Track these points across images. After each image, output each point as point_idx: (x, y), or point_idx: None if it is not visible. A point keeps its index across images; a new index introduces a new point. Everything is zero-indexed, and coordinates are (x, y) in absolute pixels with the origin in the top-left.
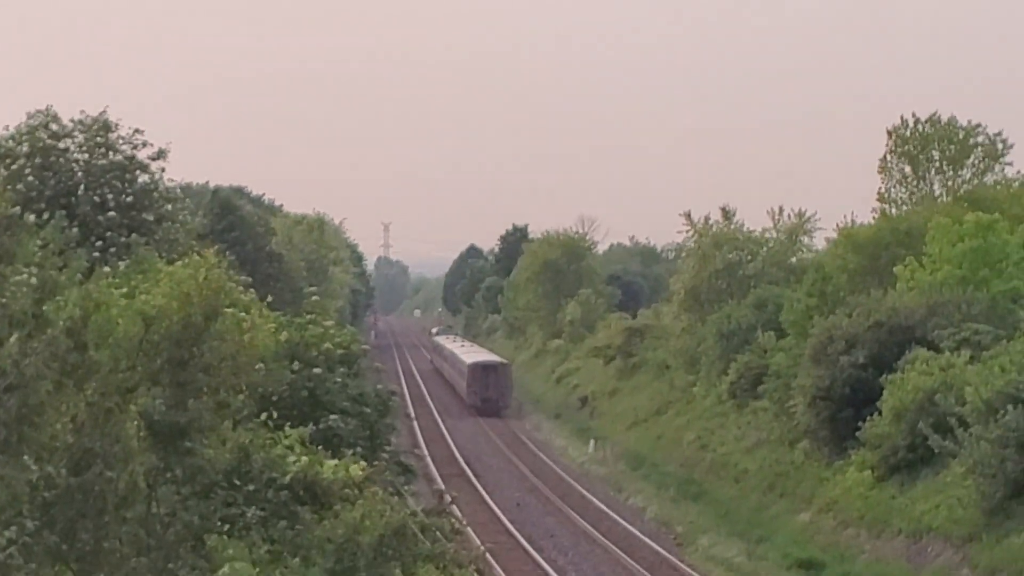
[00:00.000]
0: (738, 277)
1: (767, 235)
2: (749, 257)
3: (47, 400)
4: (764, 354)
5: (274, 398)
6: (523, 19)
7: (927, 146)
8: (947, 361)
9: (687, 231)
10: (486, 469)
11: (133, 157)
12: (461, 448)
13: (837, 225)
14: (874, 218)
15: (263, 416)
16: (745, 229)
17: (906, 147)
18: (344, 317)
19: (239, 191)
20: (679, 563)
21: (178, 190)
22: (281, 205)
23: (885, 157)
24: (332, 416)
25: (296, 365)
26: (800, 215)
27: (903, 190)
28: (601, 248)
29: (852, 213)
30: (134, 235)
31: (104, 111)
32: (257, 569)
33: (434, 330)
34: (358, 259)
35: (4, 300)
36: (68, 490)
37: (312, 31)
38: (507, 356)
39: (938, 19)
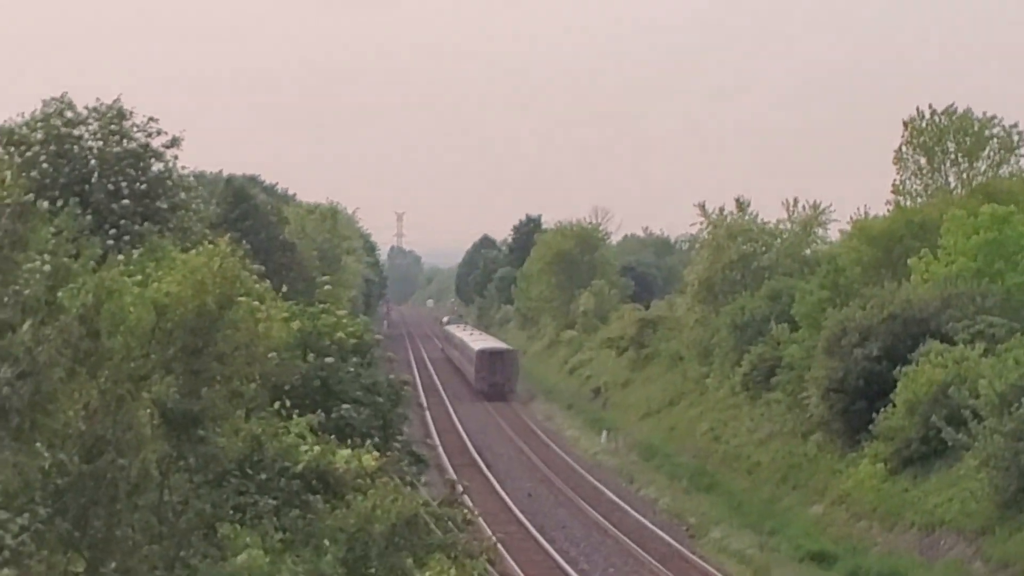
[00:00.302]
0: (752, 269)
1: (781, 227)
2: (763, 249)
3: (59, 387)
4: (777, 346)
5: (287, 387)
6: (537, 8)
7: (942, 138)
8: (961, 354)
9: (701, 222)
10: (497, 459)
11: (147, 145)
12: (473, 438)
13: (851, 217)
14: (888, 210)
15: (276, 405)
16: (759, 221)
17: (921, 139)
18: (357, 307)
19: (252, 180)
20: (691, 555)
21: (192, 178)
22: (294, 194)
23: (900, 148)
24: (345, 406)
25: (309, 355)
26: (815, 207)
27: (918, 182)
28: (615, 239)
29: (866, 206)
30: (147, 223)
31: (118, 99)
32: (269, 558)
33: (445, 319)
34: (371, 249)
35: (17, 287)
36: (80, 477)
37: (327, 20)
38: (520, 346)
39: (954, 10)
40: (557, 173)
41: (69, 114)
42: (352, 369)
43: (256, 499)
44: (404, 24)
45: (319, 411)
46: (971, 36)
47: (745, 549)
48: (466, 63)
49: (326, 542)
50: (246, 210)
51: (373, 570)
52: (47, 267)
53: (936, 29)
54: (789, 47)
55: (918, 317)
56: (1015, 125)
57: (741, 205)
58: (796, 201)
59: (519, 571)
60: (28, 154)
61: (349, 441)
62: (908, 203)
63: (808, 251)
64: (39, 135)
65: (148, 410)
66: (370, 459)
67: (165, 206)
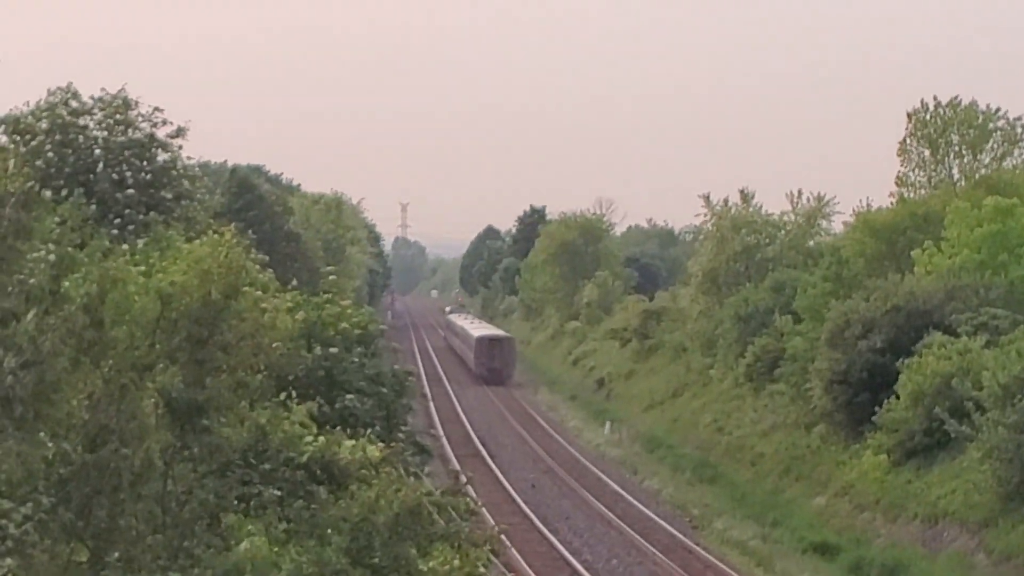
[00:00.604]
0: (756, 260)
1: (785, 218)
2: (767, 240)
3: (63, 377)
4: (781, 337)
5: (291, 378)
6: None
7: (947, 130)
8: (964, 346)
9: (705, 214)
10: (501, 449)
11: (152, 135)
12: (476, 428)
13: (854, 209)
14: (892, 202)
15: (281, 396)
16: (763, 212)
17: (926, 131)
18: (361, 297)
19: (257, 170)
20: (694, 546)
21: (197, 168)
22: (299, 184)
23: (904, 140)
24: (349, 396)
25: (313, 345)
26: (819, 199)
27: (922, 174)
28: (619, 230)
29: (869, 198)
30: (152, 213)
31: (123, 89)
32: (274, 548)
33: (447, 309)
34: (376, 239)
35: (22, 276)
36: (84, 467)
37: (332, 10)
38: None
39: (960, 1)
40: (561, 164)
41: (74, 104)
42: (356, 359)
43: (260, 489)
44: (409, 14)
45: (317, 399)
46: (976, 28)
47: (748, 540)
48: (471, 53)
49: (330, 532)
50: (251, 200)
51: (377, 560)
52: (52, 256)
53: (941, 21)
54: (794, 38)
55: (922, 309)
56: (1019, 118)
57: (745, 197)
58: (800, 193)
59: (523, 562)
60: (33, 143)
61: (350, 431)
62: (912, 195)
63: (812, 243)
64: (44, 124)
65: (152, 400)
66: (374, 449)
67: (170, 196)
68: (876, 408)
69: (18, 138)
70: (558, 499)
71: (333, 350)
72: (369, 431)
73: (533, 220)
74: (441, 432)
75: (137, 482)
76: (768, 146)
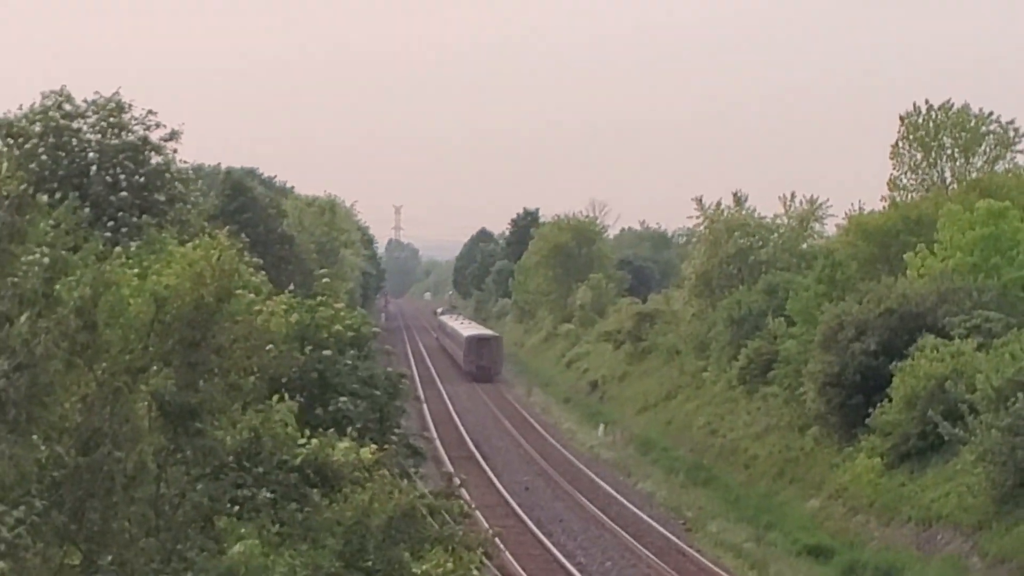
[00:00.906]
0: (749, 263)
1: (778, 221)
2: (760, 243)
3: (57, 380)
4: (774, 340)
5: (284, 380)
6: (536, 1)
7: (939, 133)
8: (957, 348)
9: (698, 216)
10: (495, 452)
11: (146, 138)
12: (470, 431)
13: (847, 213)
14: (885, 206)
15: (274, 398)
16: (756, 215)
17: (918, 134)
18: (355, 300)
19: (251, 173)
20: (688, 548)
21: (190, 171)
22: (292, 187)
23: (897, 144)
24: (342, 398)
25: (307, 347)
26: (811, 201)
27: (914, 177)
28: (612, 233)
29: (861, 201)
30: (146, 216)
31: (117, 92)
32: (267, 550)
33: (439, 310)
34: (369, 242)
35: (15, 279)
36: (77, 470)
37: (325, 12)
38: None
39: (952, 5)
40: (555, 167)
41: (68, 107)
42: (349, 362)
43: (254, 492)
44: (402, 16)
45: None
46: (969, 32)
47: (742, 543)
48: (464, 55)
49: (323, 535)
50: (244, 203)
51: (370, 563)
52: (45, 259)
53: (934, 24)
54: (787, 42)
55: (914, 312)
56: (1011, 121)
57: (738, 199)
58: (793, 196)
59: (516, 564)
60: (27, 147)
61: (346, 434)
62: (904, 198)
63: (805, 246)
64: (38, 128)
65: (145, 403)
66: (367, 452)
67: (163, 199)
68: (869, 411)
69: (11, 141)
70: (552, 501)
71: (326, 352)
72: (361, 433)
73: (526, 223)
74: (435, 434)
75: (130, 485)
76: (761, 149)
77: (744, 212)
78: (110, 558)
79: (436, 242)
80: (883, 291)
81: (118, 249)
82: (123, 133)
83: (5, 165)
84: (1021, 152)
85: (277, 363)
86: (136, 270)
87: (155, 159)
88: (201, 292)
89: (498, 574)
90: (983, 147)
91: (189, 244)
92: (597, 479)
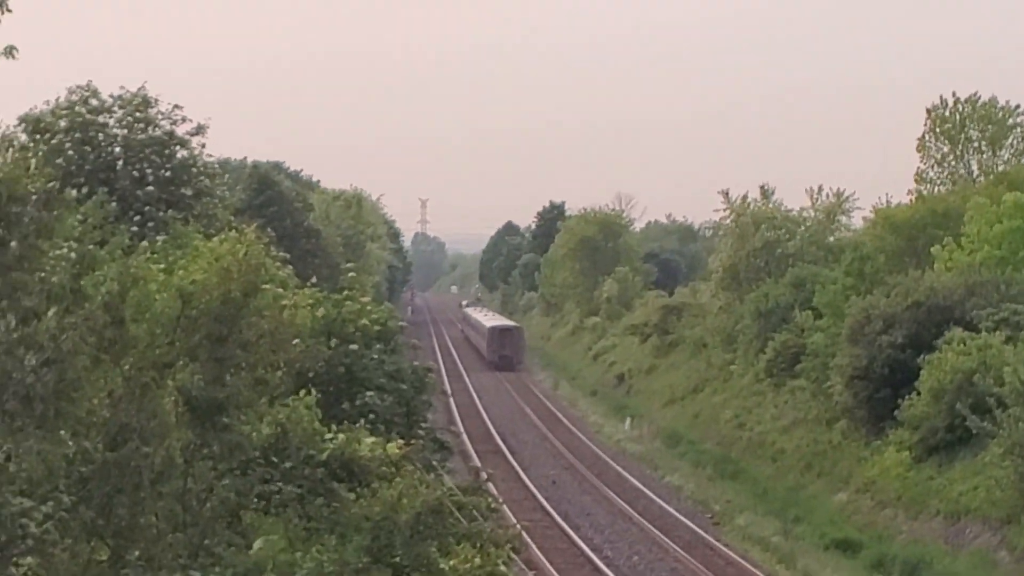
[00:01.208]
0: (776, 256)
1: (805, 214)
2: (787, 236)
3: (84, 375)
4: (802, 333)
5: (311, 375)
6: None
7: (966, 126)
8: (985, 341)
9: (725, 209)
10: (521, 445)
11: (172, 132)
12: (497, 424)
13: (873, 206)
14: (912, 199)
15: (300, 393)
16: (783, 208)
17: (945, 127)
18: (381, 293)
19: (277, 166)
20: (715, 542)
21: (216, 165)
22: (319, 181)
23: (924, 137)
24: (369, 393)
25: (333, 342)
26: (838, 194)
27: (941, 170)
28: (638, 226)
29: (888, 194)
30: (172, 210)
31: (143, 87)
32: (294, 546)
33: (464, 303)
34: (395, 235)
35: (43, 275)
36: (104, 465)
37: (354, 8)
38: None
39: None
40: (581, 160)
41: (94, 102)
42: (376, 356)
43: (280, 487)
44: (429, 10)
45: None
46: (996, 24)
47: (770, 536)
48: (491, 49)
49: (351, 530)
50: (271, 197)
51: (397, 558)
52: (72, 254)
53: (961, 16)
54: (814, 34)
55: (942, 305)
56: None
57: (765, 192)
58: (820, 189)
59: (543, 558)
60: (53, 142)
61: (370, 428)
62: (931, 191)
63: (832, 239)
64: (64, 123)
65: (172, 398)
66: (394, 447)
67: (190, 193)
68: (897, 404)
69: (38, 137)
70: (579, 495)
71: (353, 347)
72: (388, 428)
73: (553, 216)
74: (461, 428)
75: (158, 480)
76: (787, 142)
77: (771, 205)
78: (137, 553)
79: (462, 235)
80: (911, 284)
81: (144, 244)
82: (149, 128)
83: (34, 162)
84: None
85: (303, 358)
86: (162, 265)
87: (181, 153)
88: (228, 287)
89: (525, 569)
90: (1010, 140)
91: (215, 239)
92: (624, 473)
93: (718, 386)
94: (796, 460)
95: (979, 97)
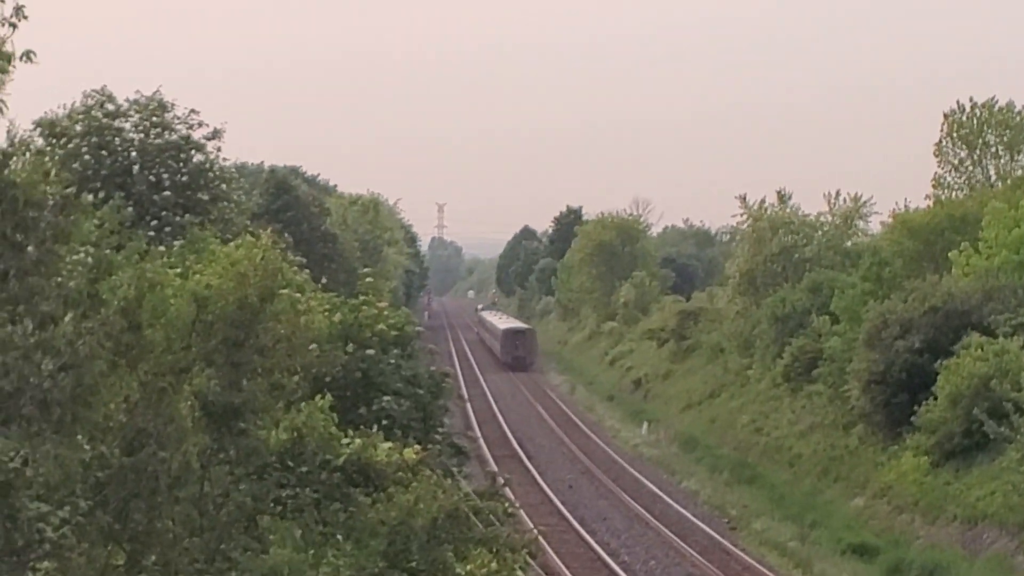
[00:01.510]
0: (793, 261)
1: (822, 219)
2: (804, 241)
3: (101, 380)
4: (819, 338)
5: (328, 379)
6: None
7: (983, 131)
8: (1003, 347)
9: (742, 214)
10: (538, 450)
11: (188, 137)
12: (513, 429)
13: (892, 211)
14: (929, 204)
15: (317, 398)
16: (800, 213)
17: (962, 132)
18: (398, 298)
19: (294, 171)
20: (732, 547)
21: (233, 170)
22: (336, 185)
23: (941, 142)
24: (386, 398)
25: (350, 346)
26: (855, 199)
27: (959, 175)
28: (655, 230)
29: (906, 199)
30: (188, 215)
31: (158, 91)
32: (311, 551)
33: (479, 307)
34: (412, 240)
35: (60, 280)
36: (121, 470)
37: (368, 11)
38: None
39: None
40: (598, 165)
41: (110, 106)
42: (393, 361)
43: (297, 492)
44: (446, 14)
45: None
46: (1013, 28)
47: (786, 542)
48: (508, 53)
49: (367, 536)
50: (288, 201)
51: (414, 564)
52: (89, 259)
53: (978, 21)
54: (831, 39)
55: (960, 310)
56: None
57: (782, 197)
58: (837, 194)
59: (560, 563)
60: (70, 146)
61: (390, 434)
62: (949, 196)
63: (849, 243)
64: (80, 127)
65: (189, 403)
66: (411, 452)
67: (206, 197)
68: (914, 409)
69: (55, 141)
70: (595, 500)
71: (370, 352)
72: (405, 433)
73: (570, 220)
74: (478, 433)
75: (174, 485)
76: (805, 146)
77: (788, 210)
78: (154, 558)
79: (479, 240)
80: (928, 289)
81: (161, 249)
82: (165, 132)
83: (50, 166)
84: None
85: (320, 362)
86: (179, 269)
87: (197, 158)
88: (244, 292)
89: (542, 573)
90: None
91: (232, 243)
92: (641, 477)
93: (735, 391)
94: (813, 465)
95: (996, 102)
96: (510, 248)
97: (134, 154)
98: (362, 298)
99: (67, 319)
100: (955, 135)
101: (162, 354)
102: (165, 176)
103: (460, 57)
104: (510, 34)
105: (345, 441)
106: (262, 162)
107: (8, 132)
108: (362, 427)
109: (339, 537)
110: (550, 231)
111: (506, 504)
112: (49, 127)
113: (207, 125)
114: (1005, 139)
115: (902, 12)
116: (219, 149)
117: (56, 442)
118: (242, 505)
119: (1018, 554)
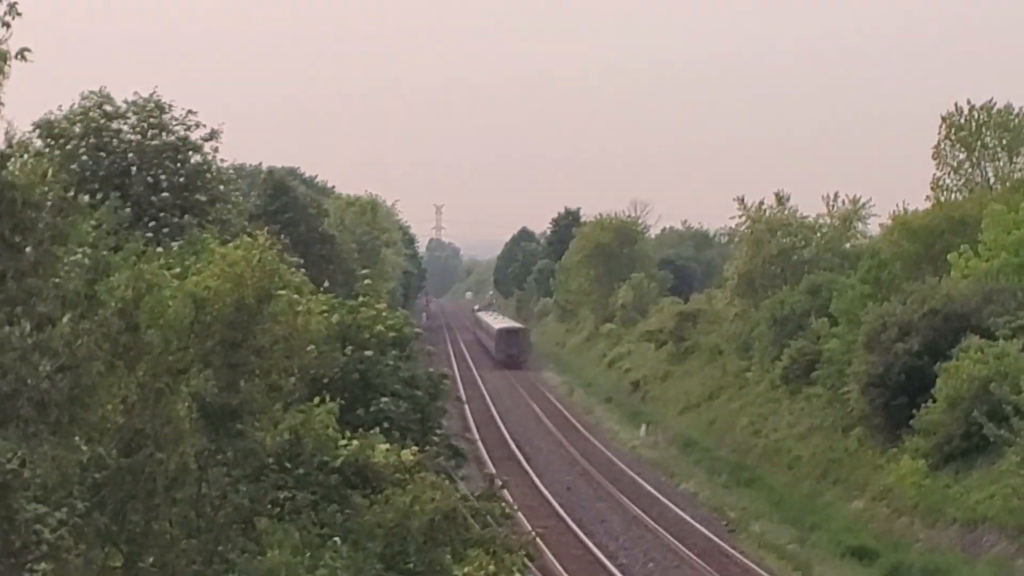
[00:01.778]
0: (792, 263)
1: (821, 221)
2: (803, 243)
3: (98, 381)
4: (817, 340)
5: (325, 381)
6: (575, 3)
7: (981, 133)
8: (1002, 349)
9: (740, 216)
10: (536, 452)
11: (186, 138)
12: (512, 431)
13: (891, 213)
14: (929, 206)
15: (315, 399)
16: (799, 215)
17: (960, 134)
18: (396, 299)
19: (292, 172)
20: (731, 549)
21: (231, 171)
22: (334, 187)
23: (939, 144)
24: (383, 399)
25: (348, 348)
26: (854, 201)
27: (957, 177)
28: (653, 232)
29: (905, 201)
30: (186, 216)
31: (156, 92)
32: (308, 553)
33: (476, 307)
34: (410, 241)
35: (57, 281)
36: (118, 471)
37: (367, 11)
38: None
39: (994, 2)
40: (596, 166)
41: (108, 107)
42: (391, 362)
43: (294, 493)
44: (443, 16)
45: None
46: (1012, 30)
47: (785, 544)
48: (504, 56)
49: (364, 537)
50: (286, 203)
51: (411, 565)
52: (87, 260)
53: (976, 22)
54: (829, 40)
55: (959, 312)
56: None
57: (780, 199)
58: (836, 195)
59: (558, 565)
60: (68, 147)
61: (387, 435)
62: (948, 198)
63: (848, 245)
64: (78, 128)
65: (186, 404)
66: (408, 453)
67: (204, 199)
68: (913, 411)
69: (53, 142)
70: (593, 502)
71: (368, 353)
72: (395, 431)
73: (568, 222)
74: (476, 435)
75: (172, 486)
76: (804, 149)
77: (786, 212)
78: (151, 559)
79: (477, 241)
80: (927, 291)
81: (159, 250)
82: (163, 133)
83: (48, 167)
84: None
85: (318, 364)
86: (177, 270)
87: (195, 159)
88: (241, 293)
89: (540, 575)
90: None
91: (229, 244)
92: (639, 479)
93: (734, 393)
94: (812, 467)
95: (994, 104)
96: (508, 249)
97: (132, 155)
98: (360, 299)
99: (65, 320)
100: (954, 137)
101: (160, 355)
102: (163, 177)
103: (460, 57)
104: (510, 33)
105: (343, 443)
106: (260, 163)
107: (7, 134)
108: (360, 428)
109: (336, 540)
110: (548, 232)
111: (504, 506)
112: (47, 128)
113: (204, 126)
114: (1004, 141)
115: (902, 12)
116: (216, 150)
117: (54, 443)
118: (239, 506)
119: (1018, 557)
